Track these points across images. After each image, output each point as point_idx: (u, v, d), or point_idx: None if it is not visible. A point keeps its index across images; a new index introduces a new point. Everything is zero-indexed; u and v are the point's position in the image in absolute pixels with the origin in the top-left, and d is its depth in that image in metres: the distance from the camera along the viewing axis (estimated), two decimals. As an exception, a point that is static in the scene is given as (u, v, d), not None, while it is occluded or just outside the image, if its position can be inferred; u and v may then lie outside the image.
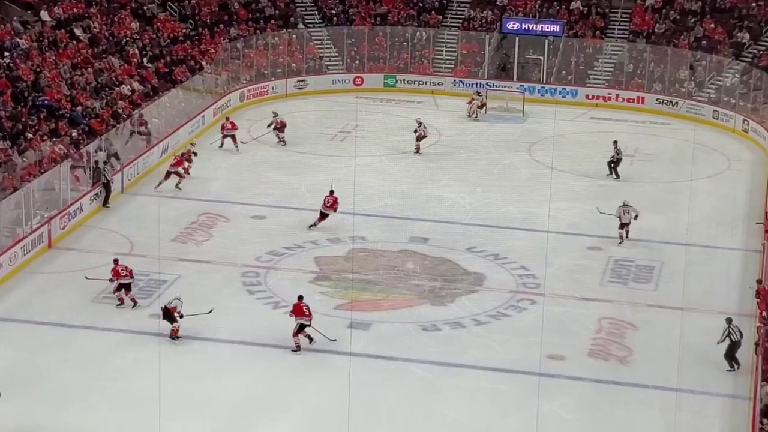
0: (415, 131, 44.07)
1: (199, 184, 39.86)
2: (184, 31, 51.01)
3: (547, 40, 52.29)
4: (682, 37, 52.51)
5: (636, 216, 35.49)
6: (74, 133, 39.50)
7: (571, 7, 54.55)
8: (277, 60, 52.14)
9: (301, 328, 28.43)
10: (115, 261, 31.13)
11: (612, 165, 41.67)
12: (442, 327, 30.18)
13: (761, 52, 50.89)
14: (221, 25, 52.39)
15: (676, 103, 50.11)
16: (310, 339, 28.57)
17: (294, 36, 53.35)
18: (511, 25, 52.86)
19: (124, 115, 42.28)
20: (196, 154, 40.74)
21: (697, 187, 39.82)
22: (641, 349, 29.09)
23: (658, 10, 53.94)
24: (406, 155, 43.60)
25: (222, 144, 43.70)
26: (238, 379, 27.21)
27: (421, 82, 53.00)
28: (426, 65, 53.73)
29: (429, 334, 29.80)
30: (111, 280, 30.75)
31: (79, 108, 41.15)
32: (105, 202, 37.70)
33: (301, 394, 26.68)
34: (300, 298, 28.86)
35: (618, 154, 41.76)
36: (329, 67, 53.43)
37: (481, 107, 49.02)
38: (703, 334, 29.20)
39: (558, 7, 54.65)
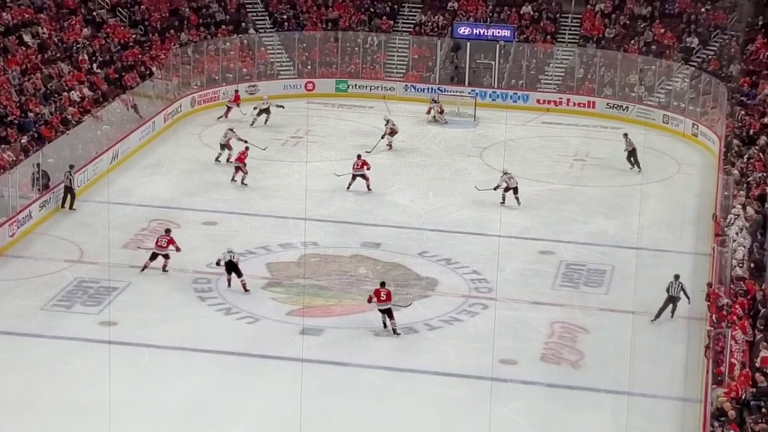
0: (386, 127, 44.51)
1: (150, 190, 39.67)
2: (134, 36, 50.75)
3: (498, 45, 52.39)
4: (632, 41, 52.85)
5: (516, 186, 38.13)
6: (23, 140, 39.18)
7: (521, 12, 54.76)
8: (228, 65, 51.97)
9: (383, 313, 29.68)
10: (167, 231, 33.07)
11: (630, 157, 42.39)
12: (395, 332, 30.19)
13: (710, 56, 51.31)
14: (172, 31, 52.19)
15: (627, 107, 50.38)
16: (395, 332, 29.60)
17: (245, 41, 53.23)
18: (462, 30, 52.97)
19: (73, 122, 42.05)
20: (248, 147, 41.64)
21: (648, 191, 40.02)
22: (593, 352, 29.16)
23: (608, 15, 54.26)
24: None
25: (226, 117, 47.80)
26: (189, 386, 27.02)
27: (372, 87, 52.97)
28: (378, 70, 53.73)
29: (381, 339, 29.74)
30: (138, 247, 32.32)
31: (31, 114, 40.87)
32: (71, 206, 37.50)
33: (253, 400, 26.53)
34: (382, 284, 29.88)
35: (630, 146, 42.38)
36: (280, 73, 53.33)
37: (441, 112, 49.09)
38: (654, 338, 29.39)
39: (509, 12, 54.84)
